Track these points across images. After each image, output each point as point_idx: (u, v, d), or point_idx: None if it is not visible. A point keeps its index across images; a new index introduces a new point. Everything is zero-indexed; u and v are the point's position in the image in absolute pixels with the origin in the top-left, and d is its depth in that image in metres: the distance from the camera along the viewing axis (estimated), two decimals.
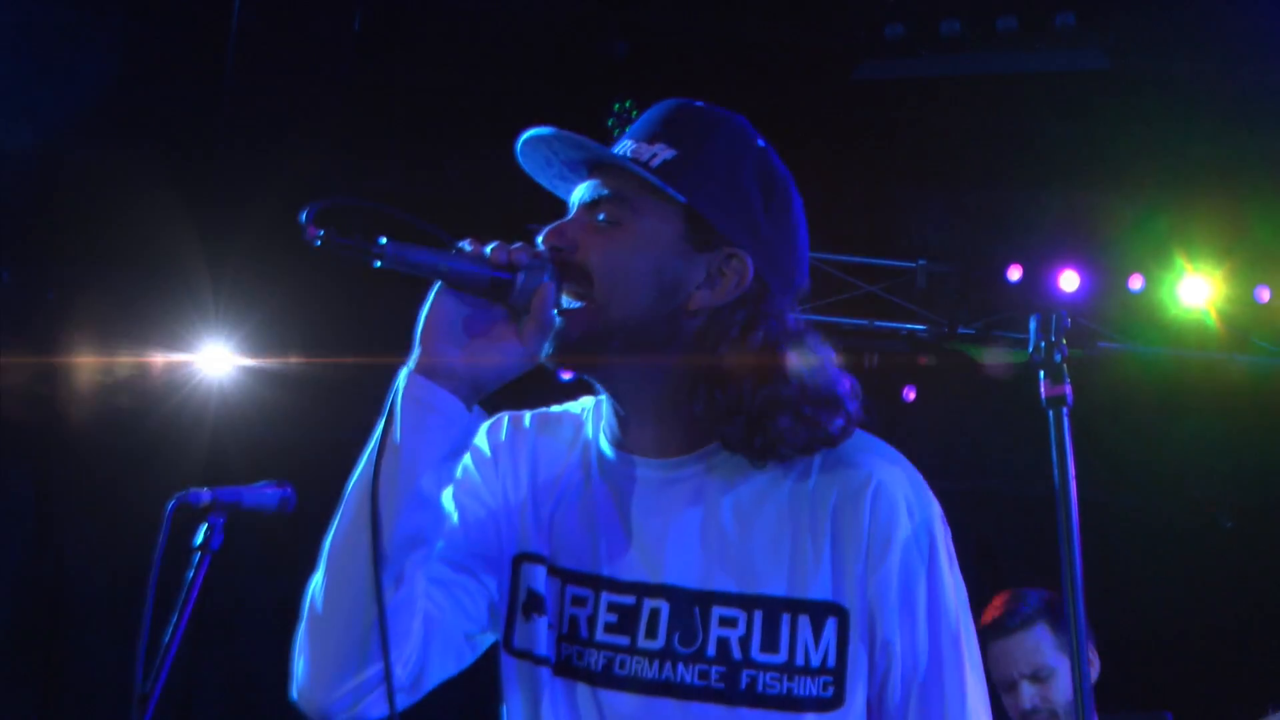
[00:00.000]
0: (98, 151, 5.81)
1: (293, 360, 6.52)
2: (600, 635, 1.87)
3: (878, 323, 6.99)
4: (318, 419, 6.20)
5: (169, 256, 6.06)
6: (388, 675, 1.74)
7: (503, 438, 1.99)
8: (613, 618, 1.87)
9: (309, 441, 5.83)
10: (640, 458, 1.91)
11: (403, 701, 1.82)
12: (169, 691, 2.49)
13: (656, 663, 1.84)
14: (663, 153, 1.87)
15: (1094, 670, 3.88)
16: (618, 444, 1.93)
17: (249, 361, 6.57)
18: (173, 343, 6.44)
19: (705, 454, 1.89)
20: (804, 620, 1.82)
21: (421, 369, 1.79)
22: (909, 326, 6.98)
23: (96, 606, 6.52)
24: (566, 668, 1.88)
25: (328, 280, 5.55)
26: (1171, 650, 6.44)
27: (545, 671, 1.89)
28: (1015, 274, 6.71)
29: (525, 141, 1.89)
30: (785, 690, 1.81)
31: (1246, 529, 7.03)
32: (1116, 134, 6.13)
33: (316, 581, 1.81)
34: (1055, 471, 1.81)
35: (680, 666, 1.83)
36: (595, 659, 1.87)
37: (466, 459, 1.92)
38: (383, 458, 1.76)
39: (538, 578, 1.91)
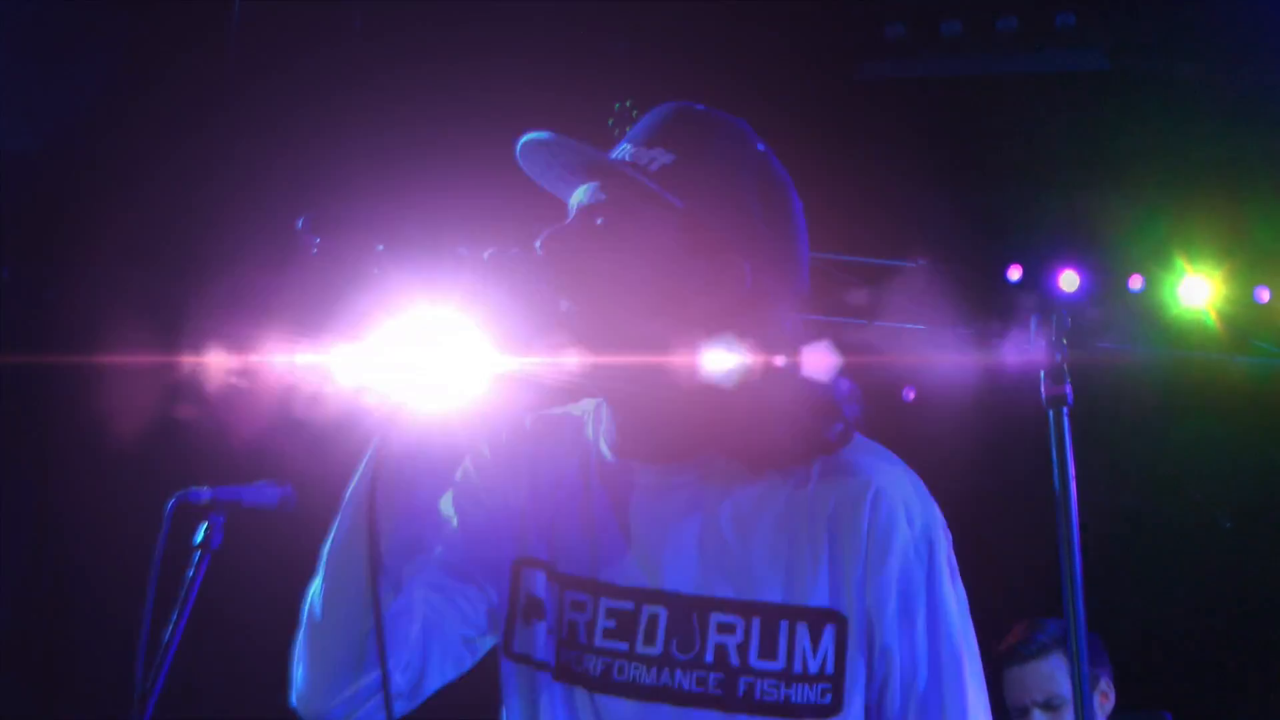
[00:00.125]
0: (98, 152, 5.81)
1: (295, 358, 6.50)
2: (599, 640, 1.87)
3: (878, 323, 6.98)
4: (317, 419, 6.18)
5: (169, 256, 6.06)
6: (385, 685, 1.74)
7: (502, 440, 1.99)
8: (611, 623, 1.87)
9: (309, 441, 5.82)
10: (639, 464, 1.91)
11: (403, 708, 1.82)
12: (169, 690, 2.49)
13: (654, 669, 1.84)
14: (661, 158, 1.86)
15: (1109, 704, 3.84)
16: (616, 449, 1.93)
17: (249, 360, 6.56)
18: (173, 342, 6.43)
19: (703, 461, 1.88)
20: (802, 627, 1.82)
21: None
22: (909, 326, 6.97)
23: (96, 605, 6.52)
24: (566, 672, 1.88)
25: (327, 280, 5.53)
26: (1171, 650, 6.42)
27: (544, 676, 1.89)
28: (1015, 274, 6.71)
29: (525, 144, 1.89)
30: (783, 697, 1.81)
31: (1246, 529, 7.01)
32: (1116, 134, 6.12)
33: (315, 588, 1.81)
34: (1055, 471, 1.81)
35: (678, 672, 1.83)
36: (594, 664, 1.87)
37: (466, 462, 1.92)
38: (380, 465, 1.76)
39: (538, 582, 1.91)
